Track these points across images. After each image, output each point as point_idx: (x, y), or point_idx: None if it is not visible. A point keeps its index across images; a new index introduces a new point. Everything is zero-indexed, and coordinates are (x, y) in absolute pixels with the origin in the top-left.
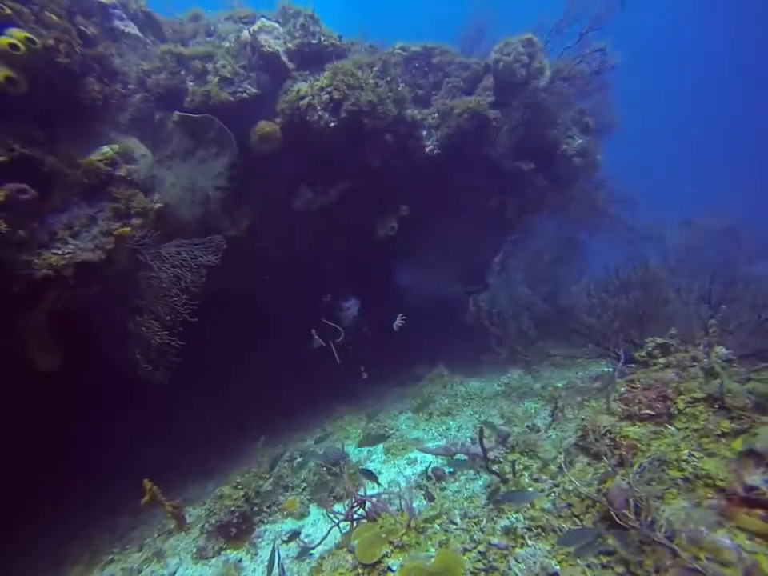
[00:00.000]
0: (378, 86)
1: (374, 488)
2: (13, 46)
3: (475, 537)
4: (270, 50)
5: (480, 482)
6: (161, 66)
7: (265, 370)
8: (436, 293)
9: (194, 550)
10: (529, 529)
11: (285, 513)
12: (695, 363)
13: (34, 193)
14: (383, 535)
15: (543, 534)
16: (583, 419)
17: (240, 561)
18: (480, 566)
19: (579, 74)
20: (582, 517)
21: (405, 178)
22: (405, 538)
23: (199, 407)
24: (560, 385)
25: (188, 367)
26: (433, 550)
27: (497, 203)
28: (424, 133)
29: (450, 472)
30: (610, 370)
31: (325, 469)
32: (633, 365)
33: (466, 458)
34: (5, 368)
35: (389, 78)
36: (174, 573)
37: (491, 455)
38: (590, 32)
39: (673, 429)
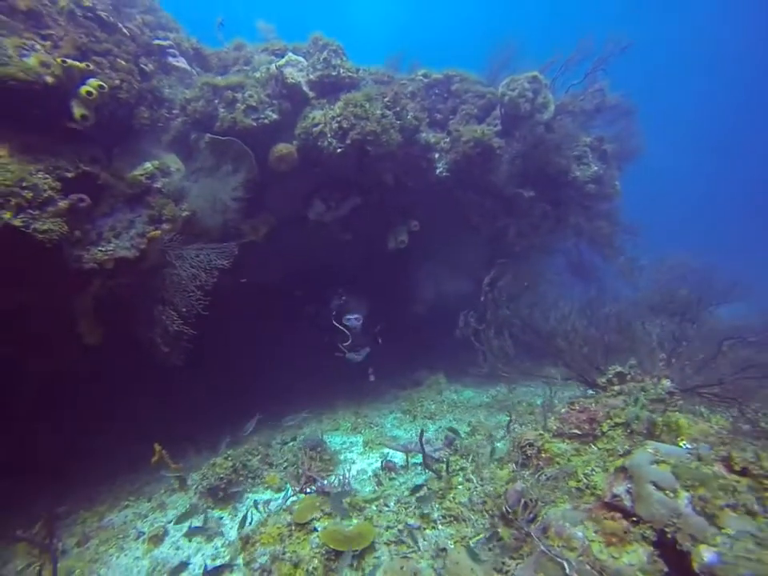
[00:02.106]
0: (385, 116)
1: (349, 470)
2: (89, 93)
3: (399, 518)
4: (293, 81)
5: (424, 477)
6: (199, 95)
7: (277, 362)
8: (440, 303)
9: (188, 506)
10: (443, 516)
11: (266, 485)
12: (643, 392)
13: (89, 201)
14: (317, 504)
15: (454, 521)
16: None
17: (221, 518)
18: (393, 538)
19: (582, 109)
20: (491, 511)
21: (417, 196)
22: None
23: (217, 390)
24: (539, 402)
25: (210, 353)
26: (356, 521)
27: (501, 225)
28: (436, 155)
29: (401, 466)
30: (585, 391)
31: (305, 452)
32: (595, 389)
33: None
34: (62, 339)
35: (398, 108)
36: (171, 521)
37: (438, 455)
38: (595, 71)
39: (594, 448)
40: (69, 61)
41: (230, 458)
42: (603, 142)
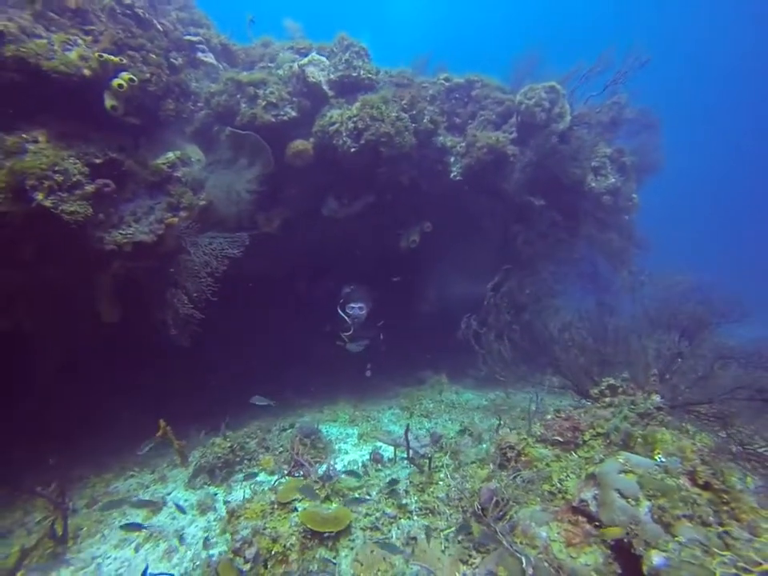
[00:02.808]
0: (400, 119)
1: (342, 460)
2: (120, 86)
3: (378, 507)
4: (314, 80)
5: (408, 470)
6: (223, 90)
7: (284, 351)
8: (447, 304)
9: (187, 480)
10: (420, 508)
11: (260, 468)
12: (632, 406)
13: (114, 186)
14: (300, 486)
15: (430, 513)
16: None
17: (216, 494)
18: (369, 524)
19: (598, 121)
20: (465, 507)
21: (430, 198)
22: (317, 492)
23: (223, 374)
24: (534, 407)
25: (218, 338)
26: (335, 505)
27: (510, 232)
28: (452, 159)
29: (389, 459)
30: (580, 401)
31: (298, 439)
32: (588, 400)
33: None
34: (82, 314)
35: (414, 111)
36: (170, 493)
37: (423, 451)
38: (615, 84)
39: (575, 455)
40: (105, 55)
41: (228, 439)
42: (623, 154)
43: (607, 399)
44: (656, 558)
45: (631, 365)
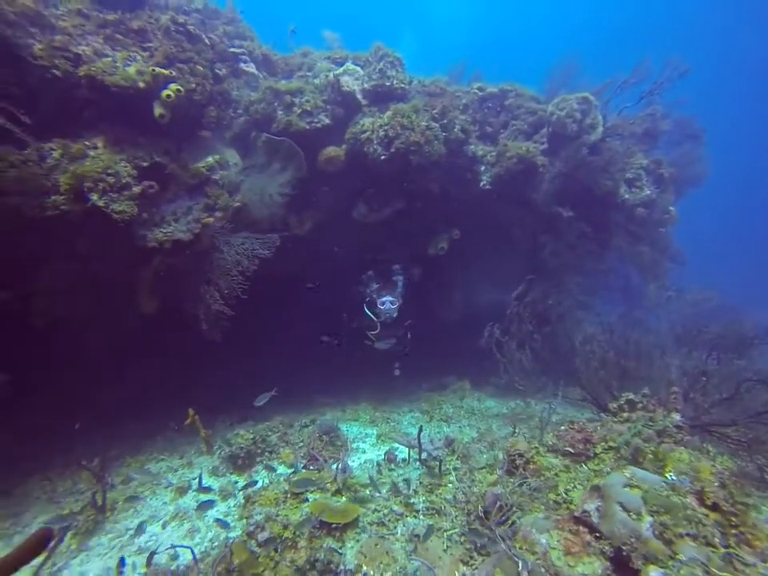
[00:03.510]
0: (430, 128)
1: (360, 458)
2: (168, 96)
3: (387, 504)
4: (348, 89)
5: (420, 471)
6: (261, 98)
7: (313, 349)
8: (473, 311)
9: (211, 468)
10: (427, 508)
11: (280, 460)
12: (651, 423)
13: (158, 188)
14: (313, 479)
15: (436, 514)
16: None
17: (236, 482)
18: (377, 520)
19: (631, 132)
20: (471, 510)
21: (460, 205)
22: (329, 486)
23: (252, 370)
24: (553, 419)
25: (250, 336)
26: (344, 499)
27: (538, 242)
28: (482, 168)
29: (403, 459)
30: (598, 413)
31: (317, 435)
32: (606, 414)
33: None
34: (125, 305)
35: (445, 120)
36: (195, 477)
37: (436, 454)
38: (651, 95)
39: (585, 467)
40: (157, 69)
41: (251, 432)
42: (661, 165)
43: (625, 414)
44: (654, 573)
45: (653, 381)
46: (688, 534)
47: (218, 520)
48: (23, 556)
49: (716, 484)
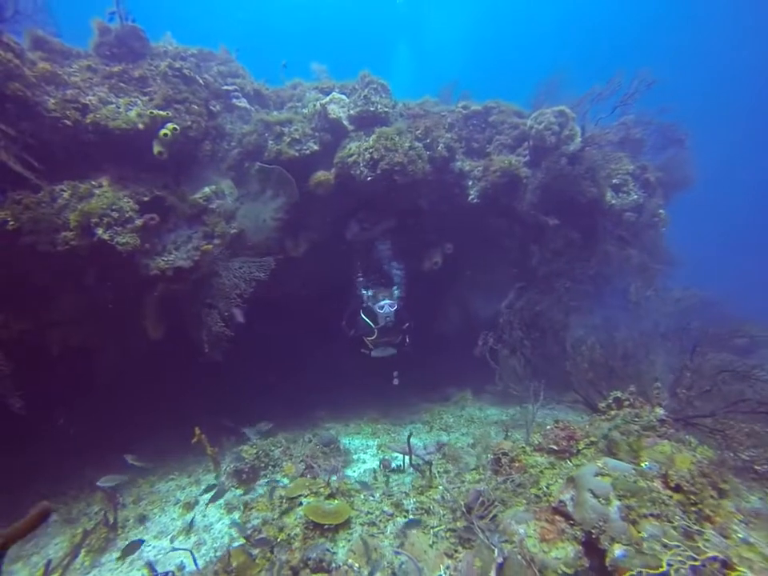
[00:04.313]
0: (413, 148)
1: (360, 468)
2: (165, 134)
3: (379, 506)
4: (334, 116)
5: (413, 476)
6: (253, 130)
7: (315, 365)
8: (470, 322)
9: (218, 483)
10: (416, 508)
11: (283, 473)
12: (637, 418)
13: (159, 219)
14: (307, 484)
15: (425, 513)
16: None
17: (241, 495)
18: (368, 520)
19: (608, 141)
20: (457, 507)
21: (451, 220)
22: (321, 490)
23: (254, 388)
24: (549, 422)
25: (251, 355)
26: (337, 502)
27: (527, 251)
28: (470, 183)
29: (398, 465)
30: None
31: (317, 447)
32: (597, 413)
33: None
34: (132, 330)
35: (429, 140)
36: (202, 494)
37: (428, 458)
38: (623, 105)
39: (570, 463)
40: (155, 111)
41: (254, 447)
42: (646, 170)
43: (613, 412)
44: (617, 550)
45: (640, 378)
46: (651, 515)
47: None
48: (25, 527)
49: (687, 471)
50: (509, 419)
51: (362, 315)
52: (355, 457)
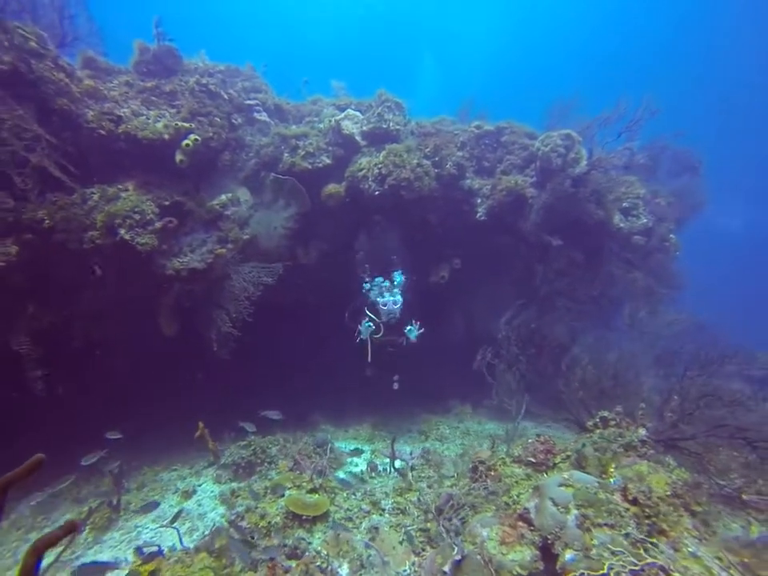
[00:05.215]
0: (420, 165)
1: (352, 470)
2: (187, 145)
3: (358, 504)
4: (347, 132)
5: (397, 479)
6: (270, 142)
7: (320, 372)
8: (475, 337)
9: (215, 476)
10: (393, 508)
11: (278, 471)
12: (620, 438)
13: (177, 223)
14: (291, 477)
15: (400, 513)
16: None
17: (236, 488)
18: (345, 516)
19: (613, 165)
20: (430, 510)
21: (459, 236)
22: (304, 485)
23: (258, 388)
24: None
25: (256, 355)
26: (317, 496)
27: (531, 269)
28: (478, 200)
29: (383, 469)
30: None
31: (311, 447)
32: (584, 432)
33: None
34: (148, 327)
35: (437, 158)
36: (201, 485)
37: (413, 464)
38: (629, 130)
39: (545, 476)
40: (179, 123)
41: (251, 444)
42: (658, 195)
43: (598, 431)
44: (568, 555)
45: (628, 399)
46: (606, 524)
47: None
48: (21, 474)
49: (668, 492)
50: (504, 434)
51: (367, 313)
52: (348, 460)
